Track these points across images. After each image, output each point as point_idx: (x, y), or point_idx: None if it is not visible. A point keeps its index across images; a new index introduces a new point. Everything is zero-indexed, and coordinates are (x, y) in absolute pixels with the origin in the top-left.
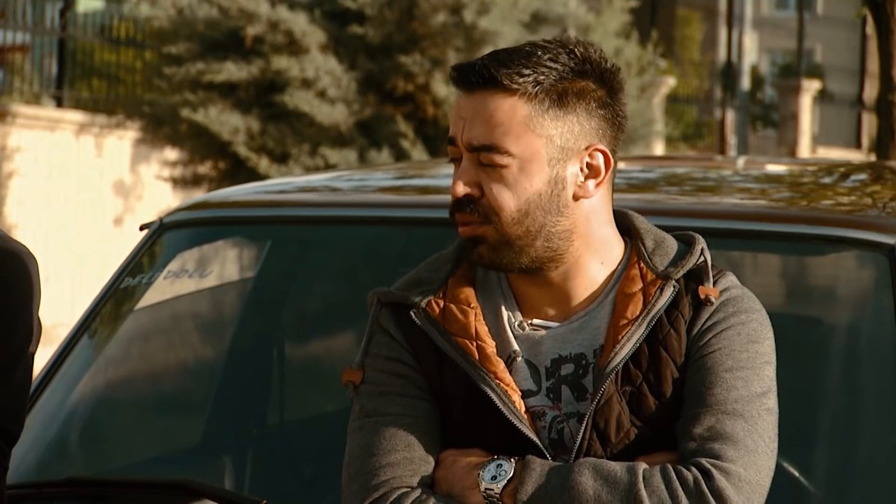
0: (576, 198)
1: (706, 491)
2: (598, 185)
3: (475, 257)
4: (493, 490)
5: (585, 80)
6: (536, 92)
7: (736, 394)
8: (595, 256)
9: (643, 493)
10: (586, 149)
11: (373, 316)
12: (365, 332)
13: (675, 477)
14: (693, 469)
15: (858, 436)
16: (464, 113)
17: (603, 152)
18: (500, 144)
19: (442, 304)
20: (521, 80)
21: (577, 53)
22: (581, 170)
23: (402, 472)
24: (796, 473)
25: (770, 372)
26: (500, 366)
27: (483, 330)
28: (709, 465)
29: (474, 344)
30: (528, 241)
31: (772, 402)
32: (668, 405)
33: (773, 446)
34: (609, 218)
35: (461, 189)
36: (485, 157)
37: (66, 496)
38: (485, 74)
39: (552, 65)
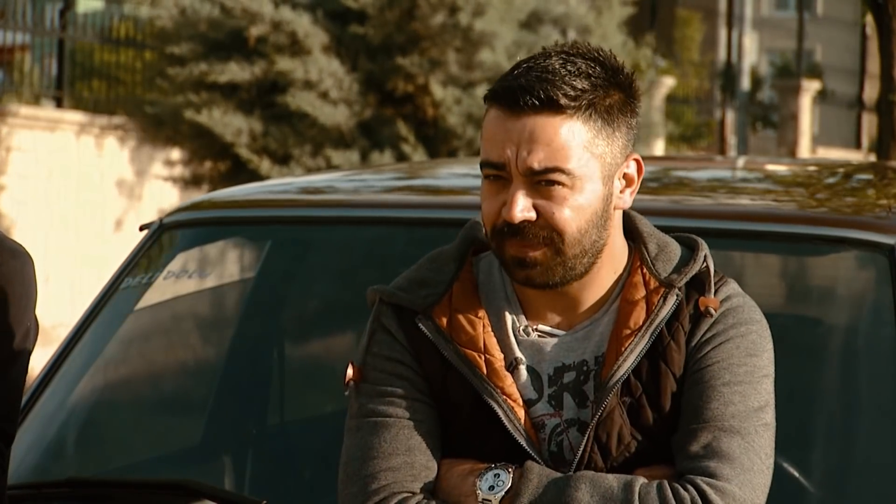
0: (616, 209)
1: None
2: (632, 193)
3: (521, 278)
4: (490, 500)
5: (620, 91)
6: (591, 113)
7: (733, 409)
8: (611, 266)
9: None
10: (626, 159)
11: (374, 314)
12: (366, 330)
13: (671, 495)
14: (689, 487)
15: (858, 436)
16: (515, 137)
17: (636, 160)
18: (564, 167)
19: (449, 313)
20: (575, 103)
21: (608, 64)
22: (620, 180)
23: (403, 477)
24: (796, 473)
25: (768, 385)
26: (508, 380)
27: (492, 342)
28: (705, 485)
29: (482, 357)
30: (581, 258)
31: (769, 416)
32: (666, 418)
33: (768, 462)
34: (621, 225)
35: (520, 216)
36: (546, 178)
37: (66, 496)
38: (541, 97)
39: (594, 80)
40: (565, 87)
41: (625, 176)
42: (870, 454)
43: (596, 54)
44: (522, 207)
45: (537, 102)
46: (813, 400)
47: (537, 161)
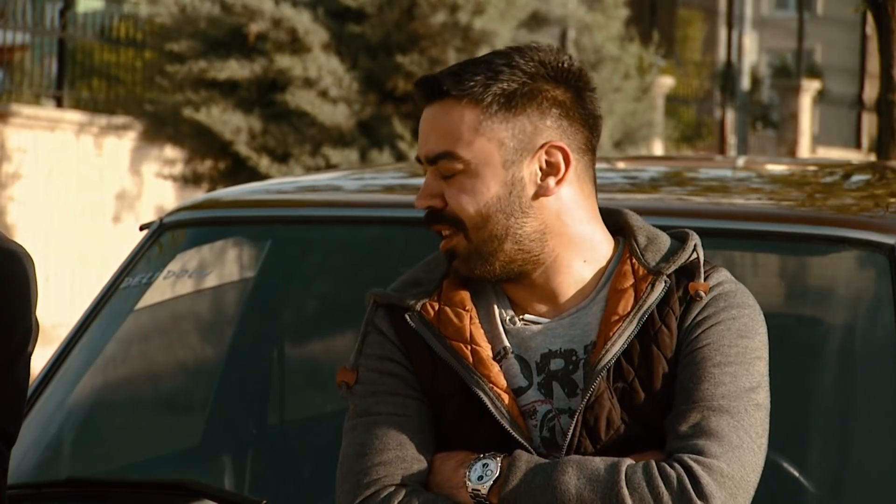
0: (536, 196)
1: (689, 487)
2: (558, 182)
3: (454, 270)
4: (479, 490)
5: (538, 82)
6: (483, 97)
7: (723, 389)
8: (576, 254)
9: (625, 491)
10: (542, 147)
11: (368, 316)
12: (359, 333)
13: (657, 474)
14: (676, 465)
15: (858, 436)
16: (422, 127)
17: (560, 149)
18: (453, 151)
19: (437, 307)
20: (465, 86)
21: (534, 58)
22: (540, 168)
23: (394, 471)
24: (796, 473)
25: (761, 367)
26: (495, 369)
27: (478, 333)
28: (691, 462)
29: (469, 347)
30: (495, 245)
31: (761, 397)
32: (659, 402)
33: (760, 442)
34: (588, 215)
35: (422, 202)
36: (442, 165)
37: (66, 496)
38: (434, 86)
39: (503, 69)
40: (466, 74)
41: (547, 163)
42: (869, 454)
43: (535, 53)
44: (425, 194)
45: (430, 91)
46: (812, 400)
47: (429, 148)
